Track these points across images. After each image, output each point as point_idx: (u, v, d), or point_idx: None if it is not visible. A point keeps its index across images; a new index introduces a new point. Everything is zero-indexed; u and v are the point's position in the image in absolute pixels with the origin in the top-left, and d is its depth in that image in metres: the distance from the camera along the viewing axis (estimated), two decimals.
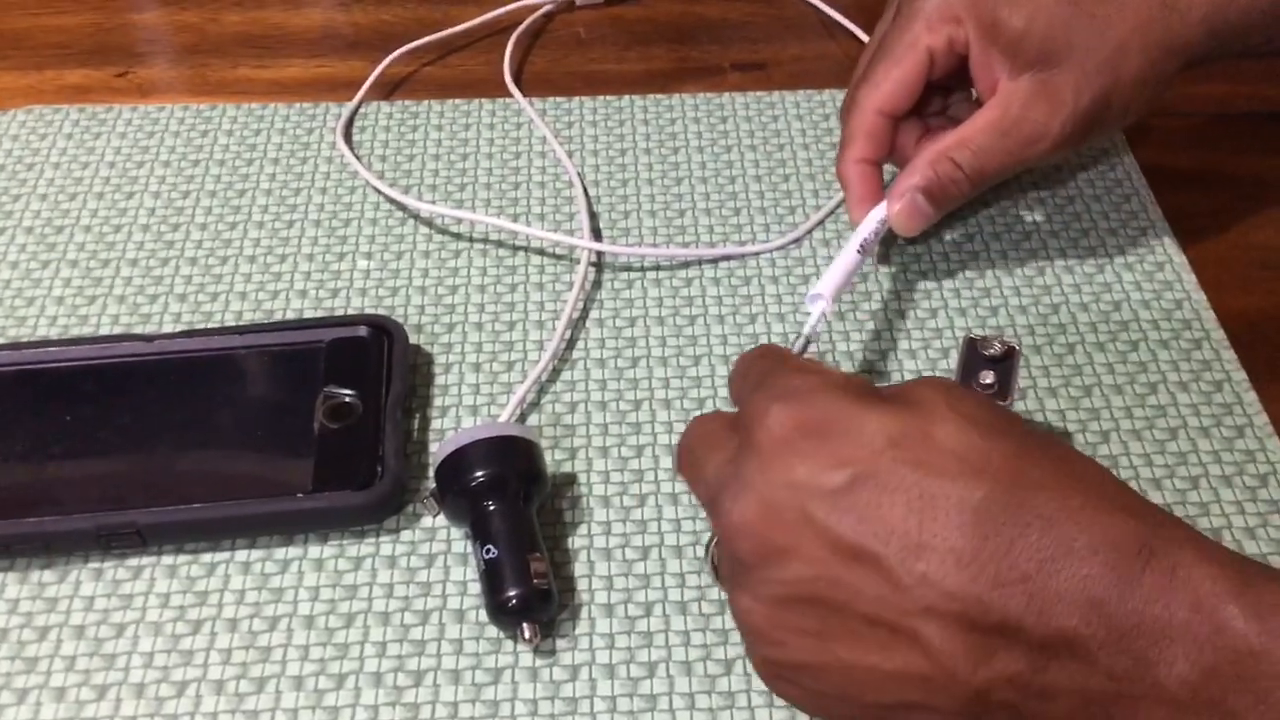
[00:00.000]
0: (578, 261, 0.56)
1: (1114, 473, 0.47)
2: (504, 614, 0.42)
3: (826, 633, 0.34)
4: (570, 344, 0.53)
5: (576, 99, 0.65)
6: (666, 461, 0.49)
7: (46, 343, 0.51)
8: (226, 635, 0.43)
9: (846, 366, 0.52)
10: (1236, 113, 0.65)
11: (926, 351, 0.53)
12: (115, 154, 0.61)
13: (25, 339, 0.53)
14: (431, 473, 0.46)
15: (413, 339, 0.52)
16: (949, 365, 0.52)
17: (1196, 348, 0.53)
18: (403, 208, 0.59)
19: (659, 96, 0.65)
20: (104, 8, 0.71)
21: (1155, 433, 0.49)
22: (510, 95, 0.65)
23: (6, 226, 0.58)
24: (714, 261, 0.56)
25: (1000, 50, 0.49)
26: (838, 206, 0.59)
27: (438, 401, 0.51)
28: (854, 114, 0.52)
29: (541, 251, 0.57)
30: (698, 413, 0.50)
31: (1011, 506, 0.32)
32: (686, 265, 0.56)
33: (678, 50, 0.69)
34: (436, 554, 0.46)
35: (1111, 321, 0.54)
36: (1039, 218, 0.59)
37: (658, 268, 0.56)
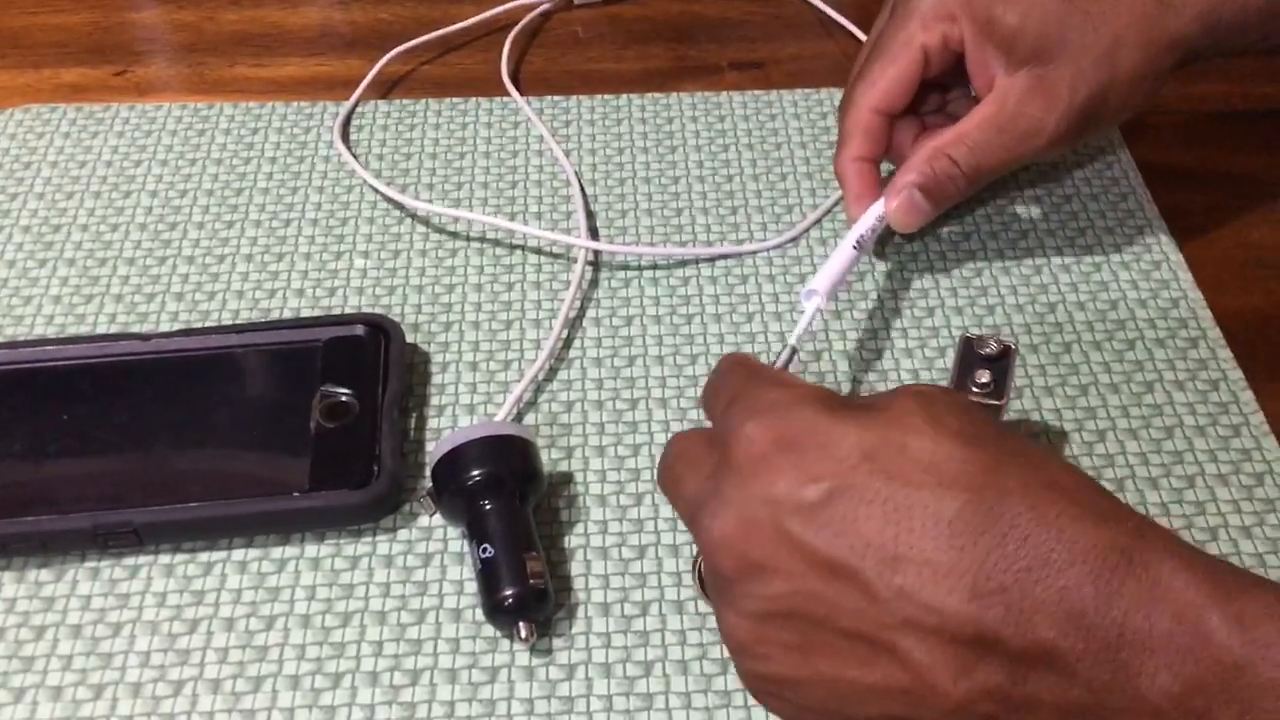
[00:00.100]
0: (575, 260, 0.56)
1: (1110, 471, 0.48)
2: (500, 613, 0.42)
3: (808, 647, 0.33)
4: (567, 343, 0.53)
5: (574, 98, 0.65)
6: None
7: (44, 341, 0.51)
8: (223, 634, 0.43)
9: (843, 365, 0.52)
10: (1233, 111, 0.65)
11: (923, 350, 0.53)
12: (112, 153, 0.61)
13: (22, 338, 0.53)
14: (428, 472, 0.46)
15: (410, 338, 0.52)
16: (945, 364, 0.52)
17: (1193, 346, 0.53)
18: (400, 206, 0.59)
19: (656, 95, 0.65)
20: (101, 6, 0.71)
21: (1151, 431, 0.49)
22: (508, 94, 0.65)
23: (3, 225, 0.58)
24: (711, 260, 0.56)
25: (995, 47, 0.49)
26: (835, 205, 0.59)
27: (434, 400, 0.51)
28: (850, 112, 0.52)
29: (538, 250, 0.57)
30: (695, 412, 0.50)
31: (989, 517, 0.31)
32: (683, 264, 0.56)
33: (675, 49, 0.69)
34: (433, 553, 0.46)
35: (1108, 320, 0.54)
36: (1035, 216, 0.59)
37: (655, 267, 0.56)
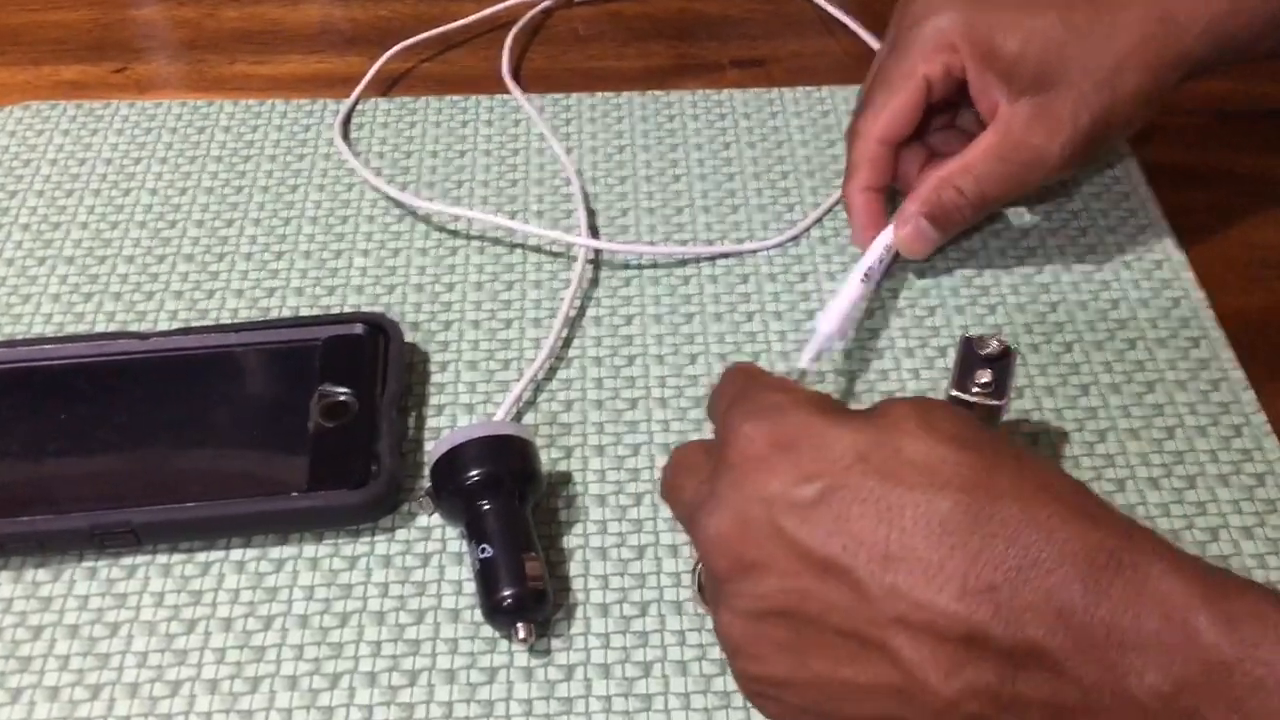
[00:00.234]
0: (575, 259, 0.56)
1: (1111, 471, 0.48)
2: (499, 613, 0.42)
3: (801, 646, 0.34)
4: (567, 342, 0.53)
5: (575, 96, 0.65)
6: (662, 460, 0.48)
7: (42, 340, 0.51)
8: (221, 634, 0.43)
9: (844, 364, 0.52)
10: (1236, 110, 0.65)
11: (924, 349, 0.52)
12: (112, 150, 0.61)
13: (21, 336, 0.53)
14: (427, 471, 0.45)
15: (409, 337, 0.52)
16: (946, 364, 0.52)
17: (1195, 346, 0.52)
18: (400, 205, 0.59)
19: (657, 93, 0.65)
20: (101, 3, 0.71)
21: (1153, 431, 0.49)
22: (508, 92, 0.65)
23: (2, 223, 0.58)
24: (712, 259, 0.56)
25: (997, 75, 0.50)
26: (836, 204, 0.58)
27: (434, 400, 0.51)
28: (856, 143, 0.53)
29: (539, 249, 0.57)
30: (695, 411, 0.50)
31: (979, 517, 0.32)
32: (684, 263, 0.56)
33: (676, 47, 0.69)
34: (431, 553, 0.46)
35: (1109, 319, 0.54)
36: (1037, 215, 0.58)
37: (655, 265, 0.56)
